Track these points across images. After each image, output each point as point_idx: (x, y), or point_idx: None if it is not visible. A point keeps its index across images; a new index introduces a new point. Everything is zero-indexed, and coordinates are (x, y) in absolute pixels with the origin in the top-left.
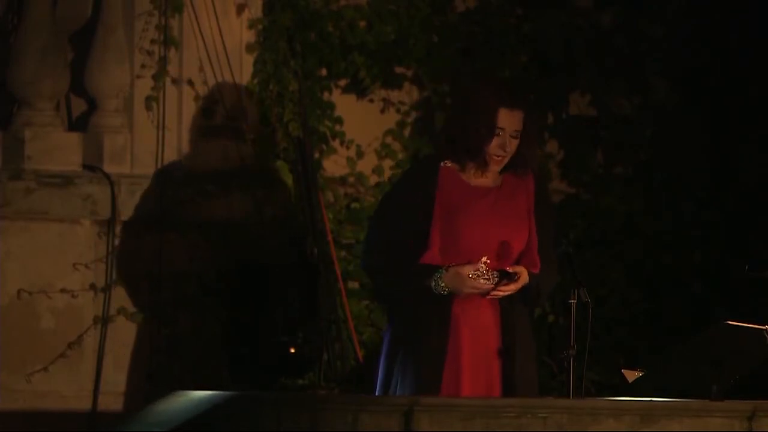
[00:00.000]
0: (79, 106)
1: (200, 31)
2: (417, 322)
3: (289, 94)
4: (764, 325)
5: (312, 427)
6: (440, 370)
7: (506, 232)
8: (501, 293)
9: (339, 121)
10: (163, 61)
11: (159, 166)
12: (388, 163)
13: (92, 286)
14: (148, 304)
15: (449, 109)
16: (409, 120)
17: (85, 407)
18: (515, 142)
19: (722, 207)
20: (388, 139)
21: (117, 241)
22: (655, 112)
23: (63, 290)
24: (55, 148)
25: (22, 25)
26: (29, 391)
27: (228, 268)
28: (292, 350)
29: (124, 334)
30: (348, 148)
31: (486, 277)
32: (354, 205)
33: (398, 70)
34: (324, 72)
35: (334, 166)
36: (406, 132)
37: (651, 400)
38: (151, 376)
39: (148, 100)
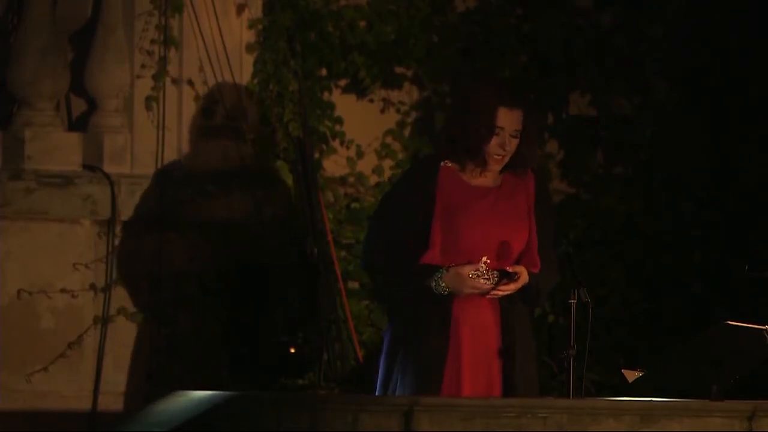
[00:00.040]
0: (79, 106)
1: (200, 31)
2: (417, 322)
3: (289, 94)
4: (764, 325)
5: (312, 427)
6: (441, 370)
7: (506, 231)
8: (501, 293)
9: (339, 121)
10: (163, 61)
11: (159, 166)
12: (388, 163)
13: (92, 286)
14: (148, 304)
15: (449, 109)
16: (409, 120)
17: (85, 407)
18: (515, 142)
19: (722, 207)
20: (388, 139)
21: (117, 241)
22: (655, 112)
23: (63, 290)
24: (55, 148)
25: (22, 25)
26: (29, 391)
27: (228, 268)
28: (292, 350)
29: (124, 334)
30: (348, 148)
31: (486, 276)
32: (354, 205)
33: (398, 70)
34: (324, 72)
35: (334, 166)
36: (406, 132)
37: (651, 400)
38: (151, 376)
39: (148, 100)
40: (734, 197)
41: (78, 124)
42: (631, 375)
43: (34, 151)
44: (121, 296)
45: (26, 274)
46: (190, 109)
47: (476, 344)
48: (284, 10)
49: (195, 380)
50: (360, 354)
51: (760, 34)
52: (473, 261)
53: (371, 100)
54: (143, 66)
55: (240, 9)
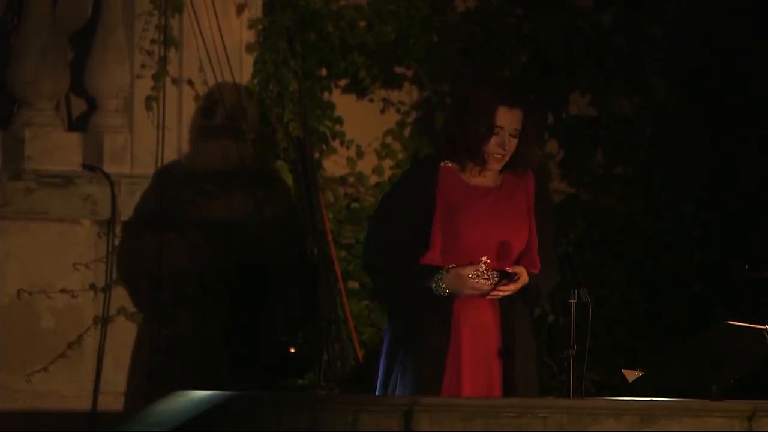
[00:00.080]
0: (79, 106)
1: (200, 31)
2: (417, 322)
3: (289, 94)
4: (764, 325)
5: (312, 427)
6: (441, 370)
7: (506, 231)
8: (501, 293)
9: (339, 121)
10: (163, 61)
11: (159, 166)
12: (388, 163)
13: (92, 286)
14: (148, 304)
15: (449, 109)
16: (409, 120)
17: (85, 407)
18: (514, 141)
19: (722, 207)
20: (388, 139)
21: (117, 241)
22: (655, 112)
23: (63, 290)
24: (55, 148)
25: (22, 25)
26: (29, 391)
27: (228, 268)
28: (292, 350)
29: (124, 334)
30: (348, 148)
31: (486, 276)
32: (354, 205)
33: (398, 70)
34: (324, 72)
35: (334, 166)
36: (406, 132)
37: (651, 400)
38: (151, 376)
39: (148, 100)
40: (734, 197)
41: (78, 124)
42: (631, 375)
43: (34, 151)
44: (121, 296)
45: (26, 274)
46: (190, 109)
47: (476, 344)
48: (284, 10)
49: (195, 380)
50: (360, 354)
51: (760, 34)
52: (473, 261)
53: (371, 100)
54: (143, 66)
55: (240, 9)
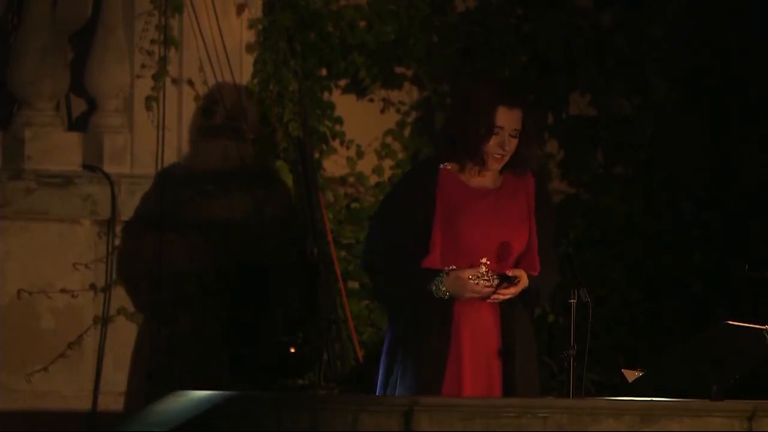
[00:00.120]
0: (79, 106)
1: (200, 31)
2: (417, 323)
3: (289, 94)
4: (764, 325)
5: (312, 427)
6: (441, 371)
7: (506, 232)
8: (501, 297)
9: (339, 121)
10: (163, 61)
11: (159, 166)
12: (388, 163)
13: (92, 286)
14: (148, 304)
15: (449, 109)
16: (409, 120)
17: (85, 407)
18: (514, 142)
19: (722, 207)
20: (388, 139)
21: (117, 241)
22: (655, 112)
23: (63, 290)
24: (55, 148)
25: (22, 25)
26: (29, 391)
27: (228, 268)
28: (292, 350)
29: (124, 334)
30: (348, 148)
31: (486, 279)
32: (354, 205)
33: (398, 70)
34: (324, 72)
35: (334, 166)
36: (406, 132)
37: (651, 400)
38: (151, 376)
39: (148, 100)
40: (734, 197)
41: (78, 124)
42: (631, 375)
43: (34, 151)
44: (121, 296)
45: (26, 274)
46: (190, 109)
47: (476, 345)
48: (284, 10)
49: (195, 380)
50: (360, 354)
51: (760, 34)
52: (473, 262)
53: (371, 100)
54: (143, 66)
55: (240, 9)
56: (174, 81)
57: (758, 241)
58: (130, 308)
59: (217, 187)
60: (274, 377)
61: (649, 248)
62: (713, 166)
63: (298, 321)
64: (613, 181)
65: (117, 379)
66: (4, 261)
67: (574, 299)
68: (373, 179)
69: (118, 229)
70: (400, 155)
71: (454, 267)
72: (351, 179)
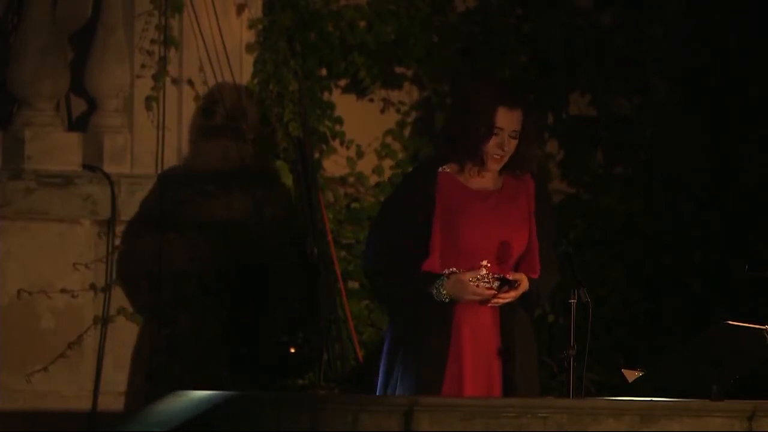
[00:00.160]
0: (79, 106)
1: (200, 31)
2: (417, 323)
3: (289, 94)
4: (764, 325)
5: (312, 427)
6: (441, 371)
7: (506, 232)
8: (501, 301)
9: (339, 121)
10: (163, 61)
11: (159, 166)
12: (388, 163)
13: (92, 286)
14: (148, 304)
15: (449, 109)
16: (409, 120)
17: (85, 407)
18: (514, 142)
19: (722, 207)
20: (388, 139)
21: (117, 241)
22: (655, 112)
23: (63, 290)
24: (55, 148)
25: (22, 25)
26: (29, 391)
27: (228, 268)
28: (292, 350)
29: (124, 334)
30: (348, 148)
31: (486, 281)
32: (354, 205)
33: (398, 70)
34: (324, 72)
35: (334, 166)
36: (406, 132)
37: (651, 400)
38: (151, 376)
39: (148, 100)
40: (734, 197)
41: (78, 124)
42: (631, 375)
43: (34, 151)
44: (121, 296)
45: (26, 274)
46: (190, 109)
47: (476, 345)
48: (284, 10)
49: (195, 380)
50: (360, 354)
51: (760, 34)
52: (474, 263)
53: (371, 100)
54: (143, 66)
55: (240, 9)
56: (174, 81)
57: (758, 241)
58: (130, 308)
59: (217, 187)
60: (274, 377)
61: (649, 248)
62: (713, 166)
63: (298, 321)
64: (613, 181)
65: (117, 379)
66: (4, 261)
67: (574, 299)
68: (373, 179)
69: (118, 229)
70: (400, 155)
71: (455, 269)
72: (351, 179)
